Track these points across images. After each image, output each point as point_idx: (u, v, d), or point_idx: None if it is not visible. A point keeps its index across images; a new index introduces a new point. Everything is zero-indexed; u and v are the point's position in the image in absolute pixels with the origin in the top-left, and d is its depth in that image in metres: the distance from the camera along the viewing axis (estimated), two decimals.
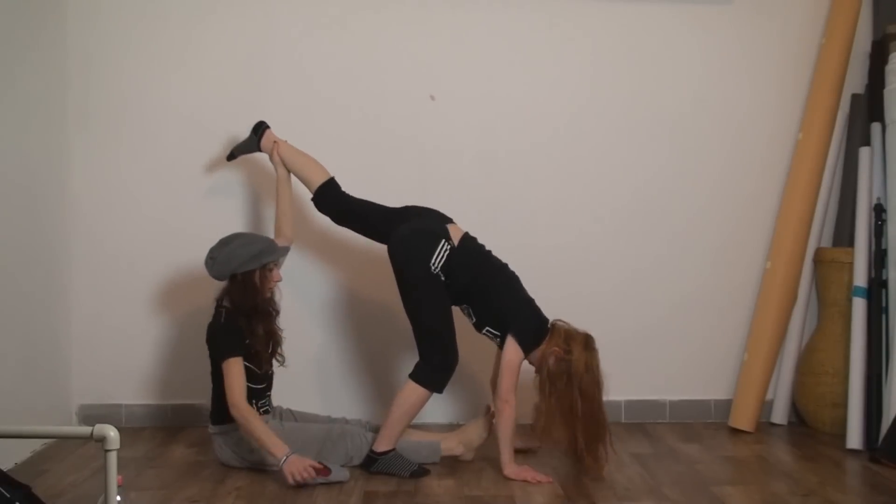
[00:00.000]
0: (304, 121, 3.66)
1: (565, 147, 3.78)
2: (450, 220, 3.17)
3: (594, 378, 2.98)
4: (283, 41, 3.68)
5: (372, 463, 3.04)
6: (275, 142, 3.35)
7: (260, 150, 3.41)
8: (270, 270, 3.09)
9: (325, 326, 3.74)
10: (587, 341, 3.02)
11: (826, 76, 3.74)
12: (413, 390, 3.02)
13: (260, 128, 3.40)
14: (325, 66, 3.69)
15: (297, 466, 2.86)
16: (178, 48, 3.65)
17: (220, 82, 3.65)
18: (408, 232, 3.07)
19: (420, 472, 3.04)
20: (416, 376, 3.02)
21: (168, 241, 3.62)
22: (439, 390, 3.04)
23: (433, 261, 2.99)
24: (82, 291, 3.65)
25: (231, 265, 3.01)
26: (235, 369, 2.98)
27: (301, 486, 2.86)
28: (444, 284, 3.04)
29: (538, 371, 3.04)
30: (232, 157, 3.48)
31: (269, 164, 3.40)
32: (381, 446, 3.04)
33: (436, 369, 3.03)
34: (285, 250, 3.16)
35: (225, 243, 3.05)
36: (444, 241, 3.03)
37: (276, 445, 2.90)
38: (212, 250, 3.05)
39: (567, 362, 2.96)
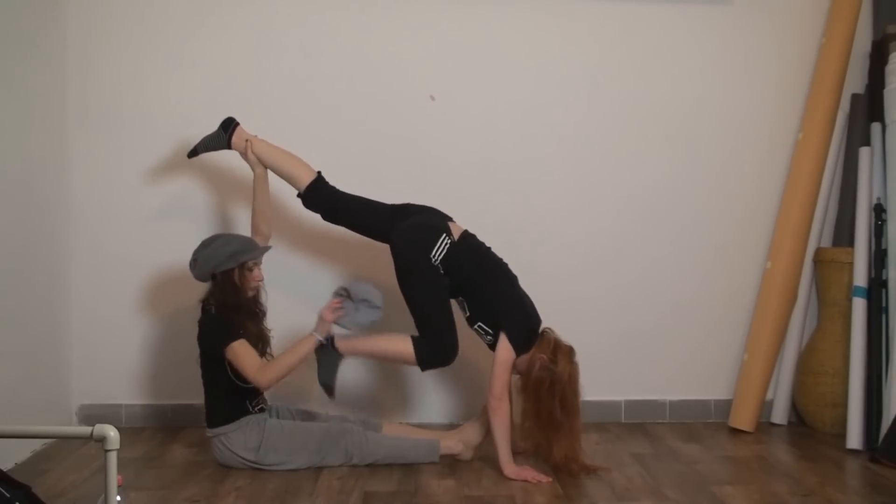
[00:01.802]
0: (302, 121, 3.66)
1: (565, 147, 3.78)
2: (450, 219, 3.19)
3: (574, 389, 3.02)
4: (281, 41, 3.67)
5: (321, 348, 3.06)
6: (247, 140, 3.26)
7: (229, 148, 3.30)
8: (250, 270, 3.09)
9: None
10: (571, 354, 3.06)
11: (826, 76, 3.74)
12: (404, 344, 3.03)
13: (229, 125, 3.29)
14: (324, 66, 3.69)
15: (325, 314, 3.01)
16: (178, 48, 3.65)
17: (218, 83, 3.65)
18: (410, 226, 3.10)
19: (329, 388, 3.06)
20: (414, 341, 3.04)
21: (168, 241, 3.61)
22: (423, 367, 3.07)
23: (434, 252, 3.02)
24: (82, 291, 3.65)
25: (210, 265, 3.03)
26: (242, 349, 2.99)
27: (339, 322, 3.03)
28: (443, 278, 3.07)
29: (522, 375, 3.07)
30: (195, 153, 3.35)
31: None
32: (342, 345, 3.07)
33: (431, 350, 3.05)
34: (264, 249, 3.17)
35: (205, 245, 3.07)
36: (444, 234, 3.06)
37: (303, 345, 3.00)
38: (194, 252, 3.08)
39: (552, 371, 2.99)
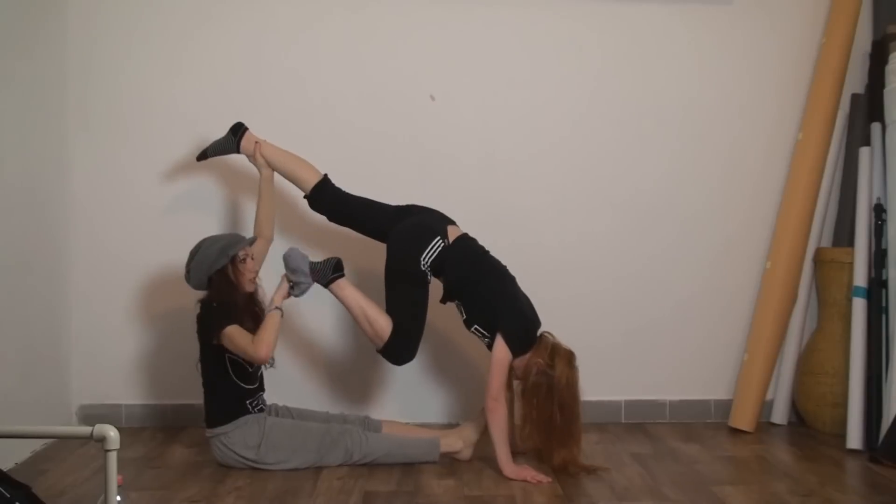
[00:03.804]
0: (303, 121, 3.66)
1: (565, 146, 3.78)
2: (451, 222, 3.19)
3: (573, 394, 3.02)
4: (282, 41, 3.68)
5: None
6: (256, 142, 3.30)
7: (238, 152, 3.34)
8: (243, 261, 3.09)
9: (323, 323, 3.73)
10: (570, 358, 3.05)
11: (826, 76, 3.74)
12: (385, 322, 3.06)
13: (239, 129, 3.33)
14: (324, 66, 3.69)
15: (279, 293, 3.09)
16: (178, 48, 3.65)
17: (219, 82, 3.66)
18: (405, 227, 3.12)
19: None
20: (393, 329, 3.06)
21: (168, 242, 3.60)
22: (383, 351, 3.11)
23: (424, 256, 3.04)
24: (82, 291, 3.65)
25: (203, 268, 3.04)
26: (237, 332, 2.98)
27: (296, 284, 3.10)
28: (440, 280, 3.11)
29: (521, 379, 3.07)
30: (203, 157, 3.38)
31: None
32: (335, 285, 3.13)
33: (393, 346, 3.08)
34: (251, 239, 3.18)
35: (193, 253, 3.08)
36: (439, 237, 3.08)
37: (273, 318, 3.01)
38: (186, 265, 3.09)
39: (549, 376, 2.99)
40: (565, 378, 2.99)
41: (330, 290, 3.12)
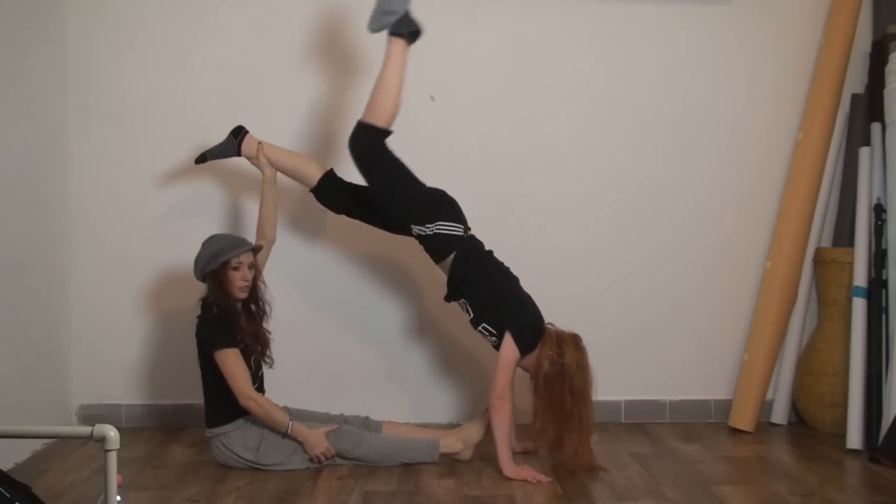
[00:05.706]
0: (303, 121, 3.66)
1: (565, 147, 3.78)
2: (468, 226, 3.20)
3: (584, 376, 3.02)
4: (283, 41, 3.67)
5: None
6: (259, 143, 3.30)
7: (239, 155, 3.34)
8: (235, 269, 3.06)
9: (323, 323, 3.73)
10: (577, 341, 3.05)
11: (826, 76, 3.74)
12: (392, 105, 3.05)
13: (239, 132, 3.33)
14: (325, 66, 3.69)
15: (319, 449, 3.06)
16: (178, 48, 3.65)
17: (219, 82, 3.65)
18: (448, 199, 3.13)
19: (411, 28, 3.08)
20: (381, 126, 3.06)
21: (169, 241, 3.62)
22: (361, 121, 3.06)
23: (441, 223, 3.05)
24: (82, 291, 3.65)
25: (199, 266, 3.06)
26: (233, 361, 2.99)
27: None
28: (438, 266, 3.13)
29: (533, 376, 3.06)
30: (202, 160, 3.37)
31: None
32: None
33: (370, 132, 3.05)
34: (248, 247, 3.12)
35: (203, 246, 3.09)
36: (463, 227, 3.10)
37: (279, 423, 3.03)
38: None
39: (561, 365, 2.99)
40: (576, 361, 3.00)
41: (393, 38, 3.05)
